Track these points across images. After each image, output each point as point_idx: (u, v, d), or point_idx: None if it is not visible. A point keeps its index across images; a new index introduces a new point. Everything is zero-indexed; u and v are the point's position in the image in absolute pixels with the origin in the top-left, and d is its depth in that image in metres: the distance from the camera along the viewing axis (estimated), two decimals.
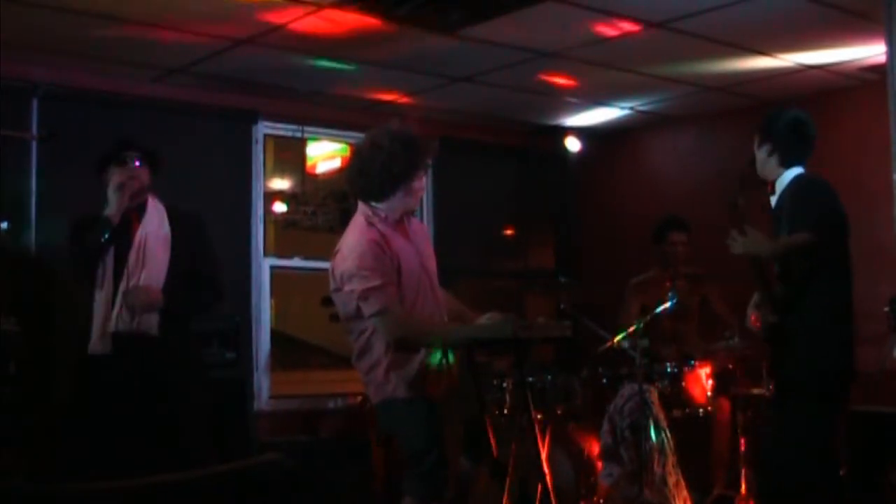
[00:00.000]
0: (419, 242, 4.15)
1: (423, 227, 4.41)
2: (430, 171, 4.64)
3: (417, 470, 3.91)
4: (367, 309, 3.86)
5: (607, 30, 5.54)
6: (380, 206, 4.02)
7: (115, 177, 4.55)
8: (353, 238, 3.98)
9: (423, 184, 4.15)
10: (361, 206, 4.06)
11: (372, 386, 4.02)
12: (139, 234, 4.57)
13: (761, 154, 4.22)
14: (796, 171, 4.16)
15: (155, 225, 4.62)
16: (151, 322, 4.50)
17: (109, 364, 4.47)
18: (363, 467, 6.21)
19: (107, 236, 4.48)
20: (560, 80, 6.55)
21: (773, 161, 4.18)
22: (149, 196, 4.67)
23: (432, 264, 4.17)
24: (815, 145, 4.22)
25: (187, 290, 4.61)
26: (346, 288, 3.90)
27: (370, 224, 4.00)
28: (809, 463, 4.04)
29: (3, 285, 5.37)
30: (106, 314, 4.47)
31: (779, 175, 4.18)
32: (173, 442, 4.43)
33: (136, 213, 4.61)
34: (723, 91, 6.76)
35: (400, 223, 4.09)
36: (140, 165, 4.60)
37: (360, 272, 3.86)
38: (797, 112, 4.27)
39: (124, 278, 4.50)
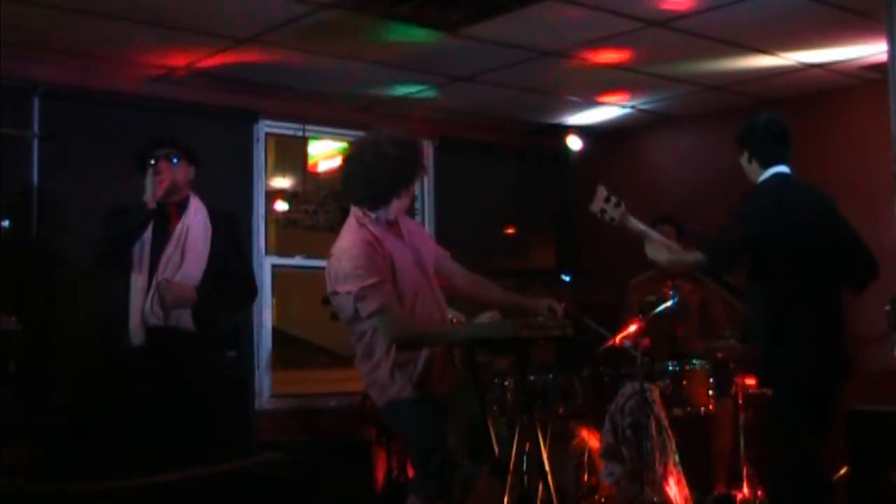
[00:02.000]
0: (416, 242, 4.14)
1: (419, 227, 4.40)
2: (430, 171, 4.65)
3: (424, 469, 3.91)
4: (365, 309, 3.85)
5: (607, 29, 5.54)
6: (377, 210, 4.01)
7: (151, 170, 4.63)
8: (346, 240, 3.98)
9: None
10: (353, 207, 4.07)
11: (376, 388, 4.01)
12: (180, 227, 4.65)
13: (744, 162, 4.34)
14: (775, 170, 4.23)
15: (197, 221, 4.71)
16: (183, 318, 4.57)
17: (143, 357, 4.56)
18: (363, 467, 6.21)
19: (142, 220, 4.55)
20: (560, 78, 6.55)
21: (755, 166, 4.29)
22: (190, 194, 4.76)
23: (431, 262, 4.17)
24: (790, 142, 4.28)
25: (221, 288, 4.68)
26: (343, 289, 3.90)
27: (361, 225, 4.00)
28: (783, 462, 4.13)
29: (3, 284, 5.38)
30: (142, 304, 4.55)
31: (761, 177, 4.28)
32: (198, 437, 4.49)
33: (176, 207, 4.70)
34: (723, 90, 6.76)
35: (393, 223, 4.09)
36: (177, 162, 4.68)
37: (355, 272, 3.86)
38: (768, 114, 4.38)
39: (160, 268, 4.56)
